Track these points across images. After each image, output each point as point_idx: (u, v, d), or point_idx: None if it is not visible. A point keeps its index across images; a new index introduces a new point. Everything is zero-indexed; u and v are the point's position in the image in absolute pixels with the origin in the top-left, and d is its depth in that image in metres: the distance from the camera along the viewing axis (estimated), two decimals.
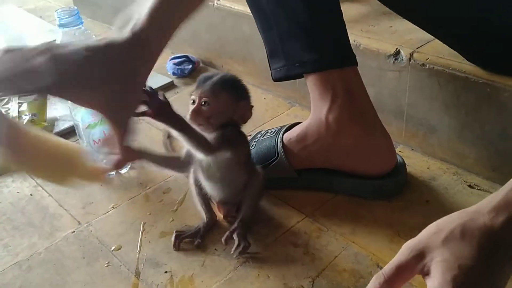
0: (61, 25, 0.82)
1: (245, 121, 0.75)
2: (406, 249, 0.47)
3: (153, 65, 0.60)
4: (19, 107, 1.06)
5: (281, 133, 0.86)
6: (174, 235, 0.78)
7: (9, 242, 0.81)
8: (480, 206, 0.47)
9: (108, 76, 0.55)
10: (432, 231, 0.47)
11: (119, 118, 0.57)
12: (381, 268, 0.71)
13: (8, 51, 0.51)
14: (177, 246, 0.77)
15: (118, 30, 0.56)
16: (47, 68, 0.51)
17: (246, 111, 0.74)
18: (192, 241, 0.77)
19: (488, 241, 0.44)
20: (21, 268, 0.76)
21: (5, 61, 0.51)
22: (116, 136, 0.58)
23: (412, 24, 0.84)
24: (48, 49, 0.52)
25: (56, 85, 0.52)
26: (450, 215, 0.48)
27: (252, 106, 0.75)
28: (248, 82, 1.22)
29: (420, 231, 0.76)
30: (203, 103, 0.71)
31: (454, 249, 0.44)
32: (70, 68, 0.52)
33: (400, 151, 0.92)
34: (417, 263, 0.46)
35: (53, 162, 0.59)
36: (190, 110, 0.71)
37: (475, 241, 0.44)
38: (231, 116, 0.73)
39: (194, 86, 0.73)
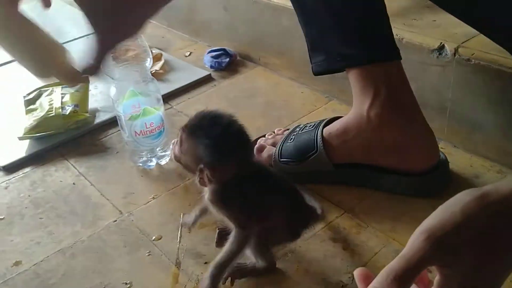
0: None
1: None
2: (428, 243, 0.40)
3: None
4: (62, 98, 1.09)
5: (321, 127, 0.86)
6: (217, 232, 0.76)
7: (53, 230, 0.83)
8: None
9: None
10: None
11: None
12: None
13: None
14: (220, 244, 0.74)
15: None
16: None
17: (202, 175, 0.62)
18: None
19: None
20: (64, 255, 0.78)
21: None
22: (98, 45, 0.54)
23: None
24: None
25: None
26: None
27: (215, 171, 0.61)
28: (285, 75, 1.23)
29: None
30: (178, 140, 0.65)
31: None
32: None
33: (442, 148, 0.90)
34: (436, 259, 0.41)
35: (35, 48, 0.63)
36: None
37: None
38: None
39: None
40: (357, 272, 0.45)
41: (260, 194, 0.66)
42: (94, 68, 0.59)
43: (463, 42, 0.86)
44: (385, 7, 0.78)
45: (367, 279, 0.44)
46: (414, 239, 0.40)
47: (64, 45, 0.66)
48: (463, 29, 0.86)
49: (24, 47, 0.62)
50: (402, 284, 0.39)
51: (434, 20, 0.96)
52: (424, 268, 0.40)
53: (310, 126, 0.88)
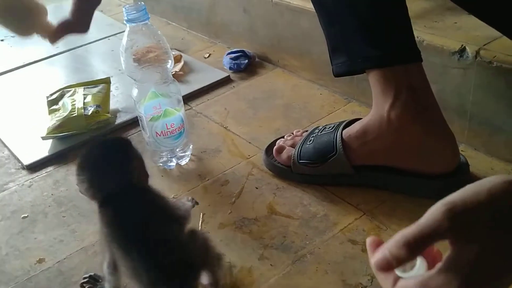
0: (128, 20, 0.84)
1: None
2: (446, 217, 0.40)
3: None
4: (84, 98, 1.10)
5: (340, 128, 0.86)
6: None
7: (76, 228, 0.85)
8: None
9: None
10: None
11: None
12: None
13: None
14: None
15: None
16: None
17: None
18: None
19: None
20: (87, 253, 0.79)
21: None
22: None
23: (478, 20, 0.81)
24: None
25: None
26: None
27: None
28: (304, 77, 1.23)
29: None
30: None
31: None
32: None
33: (462, 151, 0.90)
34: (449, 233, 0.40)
35: (17, 6, 0.69)
36: None
37: None
38: None
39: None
40: (369, 240, 0.45)
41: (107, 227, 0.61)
42: (72, 24, 0.68)
43: (484, 45, 0.85)
44: (407, 9, 0.78)
45: (378, 246, 0.44)
46: (433, 210, 0.41)
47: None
48: (484, 31, 0.86)
49: (5, 4, 0.68)
50: (412, 250, 0.40)
51: (456, 22, 0.95)
52: (438, 239, 0.40)
53: (329, 127, 0.88)
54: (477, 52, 0.85)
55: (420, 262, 0.42)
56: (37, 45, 1.55)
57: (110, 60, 1.40)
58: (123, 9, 0.84)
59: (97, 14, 1.90)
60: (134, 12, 0.83)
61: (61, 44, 1.52)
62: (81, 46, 1.51)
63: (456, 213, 0.40)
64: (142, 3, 0.86)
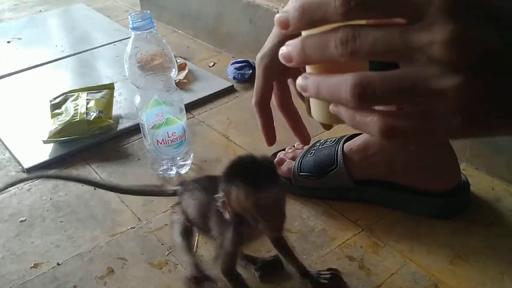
0: (133, 28, 0.84)
1: None
2: None
3: None
4: (87, 103, 1.11)
5: (342, 142, 0.85)
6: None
7: (73, 234, 0.84)
8: None
9: None
10: None
11: None
12: None
13: None
14: None
15: None
16: None
17: None
18: None
19: None
20: (83, 260, 0.79)
21: None
22: None
23: None
24: None
25: None
26: None
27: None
28: None
29: (482, 254, 0.74)
30: None
31: None
32: None
33: (463, 169, 0.89)
34: None
35: None
36: None
37: None
38: None
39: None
40: None
41: None
42: None
43: None
44: None
45: None
46: None
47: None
48: None
49: None
50: None
51: None
52: None
53: (331, 141, 0.88)
54: None
55: None
56: (43, 48, 1.56)
57: (115, 66, 1.40)
58: (129, 16, 0.84)
59: (104, 19, 1.93)
60: (140, 20, 0.83)
61: (67, 48, 1.54)
62: (86, 50, 1.52)
63: None
64: (148, 11, 0.86)
